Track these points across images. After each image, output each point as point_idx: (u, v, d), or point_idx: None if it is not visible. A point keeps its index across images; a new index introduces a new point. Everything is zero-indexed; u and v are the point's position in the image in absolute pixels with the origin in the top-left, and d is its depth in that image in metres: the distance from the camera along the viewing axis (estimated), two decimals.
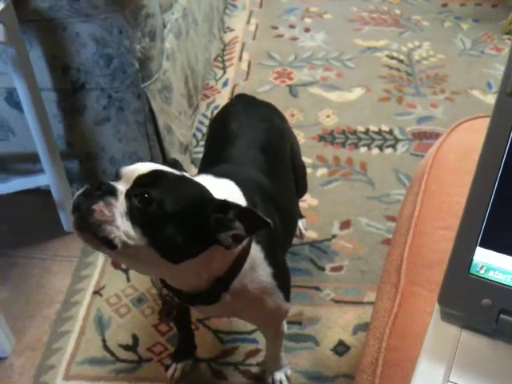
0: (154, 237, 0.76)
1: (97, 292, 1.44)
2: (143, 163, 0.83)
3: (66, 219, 1.57)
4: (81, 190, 0.77)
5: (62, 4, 1.29)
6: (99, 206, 0.75)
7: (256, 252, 0.91)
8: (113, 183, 0.78)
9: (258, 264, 0.91)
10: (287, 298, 1.01)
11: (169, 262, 0.79)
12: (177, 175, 0.82)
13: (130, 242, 0.75)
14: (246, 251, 0.88)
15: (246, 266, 0.89)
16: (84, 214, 0.75)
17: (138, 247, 0.76)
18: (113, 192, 0.77)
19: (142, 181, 0.78)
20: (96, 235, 0.75)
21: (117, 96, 1.46)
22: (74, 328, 1.36)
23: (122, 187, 0.78)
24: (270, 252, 0.93)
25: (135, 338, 1.33)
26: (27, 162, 1.58)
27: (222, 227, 0.79)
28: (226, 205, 0.80)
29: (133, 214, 0.76)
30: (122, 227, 0.75)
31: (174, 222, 0.77)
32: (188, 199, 0.79)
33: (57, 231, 1.58)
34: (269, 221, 0.77)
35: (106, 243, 0.75)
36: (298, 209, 1.42)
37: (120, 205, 0.76)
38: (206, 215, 0.79)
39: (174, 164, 0.88)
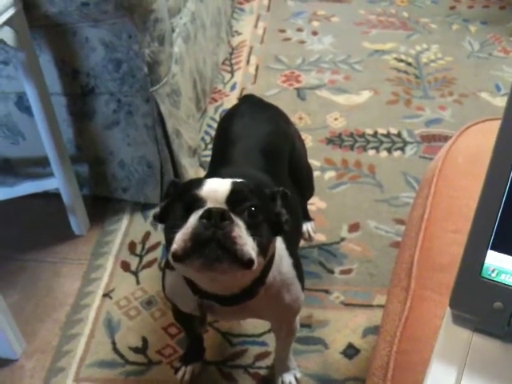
0: (261, 244, 0.78)
1: (106, 295, 1.44)
2: (211, 180, 0.82)
3: (76, 222, 1.57)
4: (198, 224, 0.75)
5: (72, 9, 1.30)
6: (236, 232, 0.75)
7: (280, 243, 0.92)
8: (216, 207, 0.77)
9: (282, 255, 0.93)
10: (303, 287, 1.03)
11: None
12: (248, 182, 0.84)
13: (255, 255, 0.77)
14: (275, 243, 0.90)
15: (276, 257, 0.91)
16: (224, 243, 0.74)
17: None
18: (228, 217, 0.76)
19: (236, 197, 0.78)
20: (240, 261, 0.75)
21: (126, 100, 1.46)
22: (83, 331, 1.36)
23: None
24: (289, 243, 0.96)
25: (145, 340, 1.34)
26: (37, 166, 1.59)
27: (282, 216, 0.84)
28: (274, 193, 0.85)
29: (248, 230, 0.77)
30: (252, 244, 0.76)
31: (268, 224, 0.80)
32: (267, 198, 0.84)
33: (66, 235, 1.59)
34: (287, 191, 0.85)
35: (247, 265, 0.76)
36: (301, 213, 1.41)
37: (242, 225, 0.77)
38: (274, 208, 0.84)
39: None
